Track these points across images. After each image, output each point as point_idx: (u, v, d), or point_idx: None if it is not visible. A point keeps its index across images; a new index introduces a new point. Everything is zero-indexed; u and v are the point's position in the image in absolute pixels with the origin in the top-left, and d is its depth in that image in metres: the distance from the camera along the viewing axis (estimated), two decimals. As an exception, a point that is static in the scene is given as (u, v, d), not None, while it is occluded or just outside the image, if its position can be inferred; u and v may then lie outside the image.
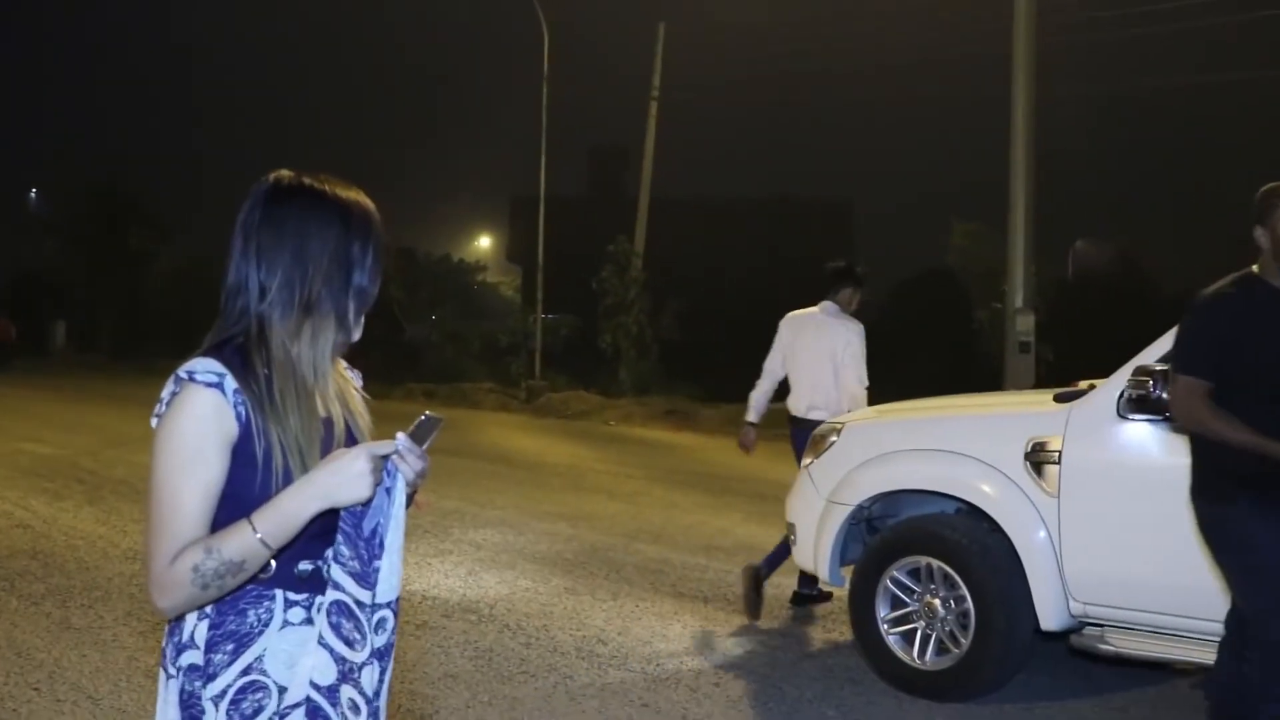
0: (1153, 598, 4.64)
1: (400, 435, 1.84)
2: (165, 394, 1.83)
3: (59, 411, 17.27)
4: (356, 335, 1.97)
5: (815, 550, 5.50)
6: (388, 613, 1.90)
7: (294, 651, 1.86)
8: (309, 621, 1.88)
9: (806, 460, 5.70)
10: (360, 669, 1.86)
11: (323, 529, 1.85)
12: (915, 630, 5.20)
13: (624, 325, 22.01)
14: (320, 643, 1.85)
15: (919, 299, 26.80)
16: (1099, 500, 4.75)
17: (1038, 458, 4.91)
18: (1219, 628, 4.05)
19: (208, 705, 1.83)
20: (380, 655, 1.90)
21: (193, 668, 1.84)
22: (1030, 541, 4.90)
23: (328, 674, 1.85)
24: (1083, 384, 5.27)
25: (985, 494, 5.02)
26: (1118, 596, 4.73)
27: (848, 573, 5.52)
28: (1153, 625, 4.69)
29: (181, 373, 1.83)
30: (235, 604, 1.84)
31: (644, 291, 22.18)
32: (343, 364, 2.08)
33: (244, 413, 1.81)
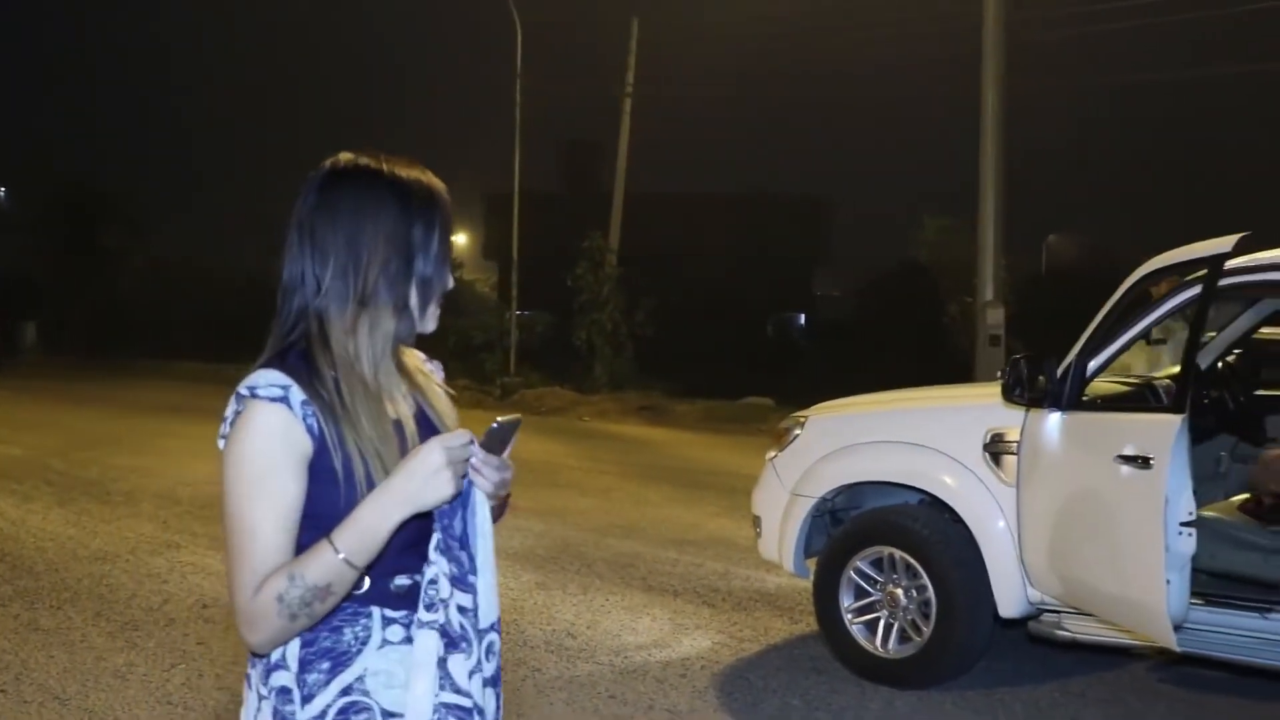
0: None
1: (473, 447, 1.71)
2: (228, 413, 1.69)
3: (28, 412, 17.17)
4: (429, 326, 1.81)
5: (780, 542, 5.56)
6: (494, 636, 1.77)
7: (394, 672, 1.72)
8: (409, 640, 1.73)
9: (770, 453, 5.76)
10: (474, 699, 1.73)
11: (416, 539, 1.72)
12: (879, 619, 5.27)
13: (598, 321, 22.04)
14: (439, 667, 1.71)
15: (892, 293, 26.97)
16: (1054, 489, 4.83)
17: (996, 448, 4.98)
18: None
19: None
20: (494, 682, 1.78)
21: (284, 690, 1.70)
22: (989, 531, 4.97)
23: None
24: None
25: (945, 485, 5.10)
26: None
27: (813, 564, 5.59)
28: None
29: (243, 389, 1.69)
30: (329, 621, 1.70)
31: (618, 288, 22.21)
32: (420, 356, 1.94)
33: (316, 425, 1.67)
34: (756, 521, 5.77)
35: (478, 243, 39.89)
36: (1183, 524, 4.06)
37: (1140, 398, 5.22)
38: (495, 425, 1.73)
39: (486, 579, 1.75)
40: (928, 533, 5.13)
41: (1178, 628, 4.14)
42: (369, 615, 1.72)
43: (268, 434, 1.65)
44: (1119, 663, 5.40)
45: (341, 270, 1.73)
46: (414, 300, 1.77)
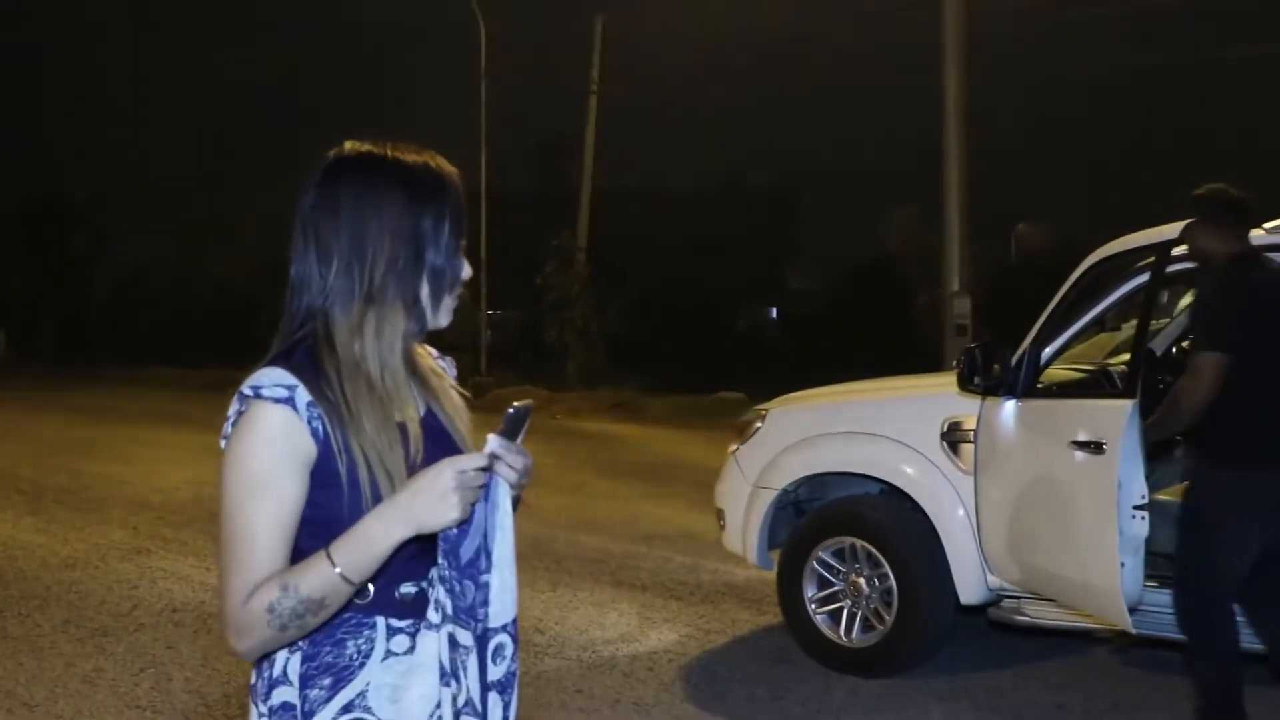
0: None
1: (491, 437, 1.63)
2: (231, 413, 1.63)
3: (-2, 421, 17.06)
4: (443, 321, 1.73)
5: (743, 535, 5.62)
6: (505, 638, 1.67)
7: (399, 685, 1.64)
8: (414, 650, 1.66)
9: (733, 446, 5.82)
10: (473, 706, 1.65)
11: (424, 545, 1.64)
12: (842, 609, 5.34)
13: (569, 320, 22.09)
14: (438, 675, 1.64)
15: (862, 285, 27.13)
16: (1011, 476, 4.90)
17: (954, 437, 5.06)
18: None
19: None
20: (501, 688, 1.68)
21: (285, 706, 1.64)
22: (948, 519, 5.05)
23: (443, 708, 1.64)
24: None
25: (904, 474, 5.17)
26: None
27: (778, 556, 5.65)
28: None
29: (246, 389, 1.61)
30: (332, 634, 1.64)
31: (588, 285, 22.26)
32: (432, 353, 1.85)
33: (321, 428, 1.61)
34: (720, 514, 5.83)
35: (448, 243, 39.81)
36: (1136, 507, 4.13)
37: (1095, 384, 5.32)
38: (512, 410, 1.66)
39: (502, 576, 1.65)
40: (888, 522, 5.21)
41: (1133, 610, 4.22)
42: (373, 626, 1.66)
43: (270, 437, 1.59)
44: (1080, 647, 5.49)
45: (346, 268, 1.64)
46: (425, 294, 1.69)
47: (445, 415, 1.76)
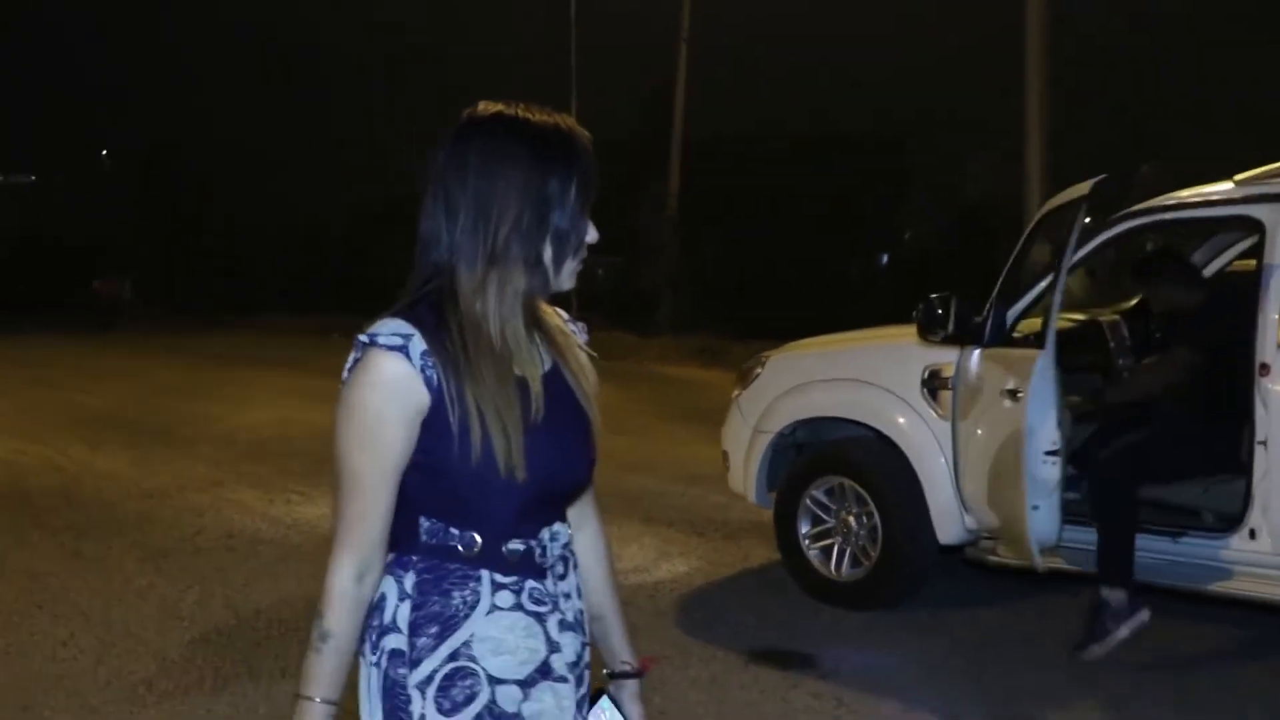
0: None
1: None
2: (349, 359, 1.66)
3: (112, 364, 18.12)
4: (566, 283, 1.72)
5: (745, 475, 5.94)
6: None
7: (502, 639, 1.68)
8: (519, 608, 1.70)
9: (736, 392, 6.12)
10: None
11: (537, 503, 1.70)
12: (833, 545, 5.63)
13: (660, 266, 22.41)
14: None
15: (976, 230, 26.80)
16: (973, 423, 5.12)
17: (933, 384, 5.29)
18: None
19: (414, 693, 1.66)
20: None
21: (396, 653, 1.67)
22: (927, 463, 5.29)
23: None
24: None
25: (885, 419, 5.42)
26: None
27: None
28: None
29: (363, 336, 1.64)
30: (439, 584, 1.68)
31: (679, 231, 22.52)
32: (563, 315, 1.85)
33: (435, 377, 1.62)
34: (725, 456, 6.15)
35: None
36: (1046, 453, 4.38)
37: (1078, 336, 5.51)
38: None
39: None
40: (873, 464, 5.47)
41: (1045, 550, 4.49)
42: (478, 579, 1.68)
43: (381, 384, 1.61)
44: (1065, 587, 5.67)
45: (471, 227, 1.65)
46: (548, 256, 1.68)
47: (570, 374, 1.77)
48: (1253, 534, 4.45)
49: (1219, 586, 4.57)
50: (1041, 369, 4.36)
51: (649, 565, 6.28)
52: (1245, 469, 4.52)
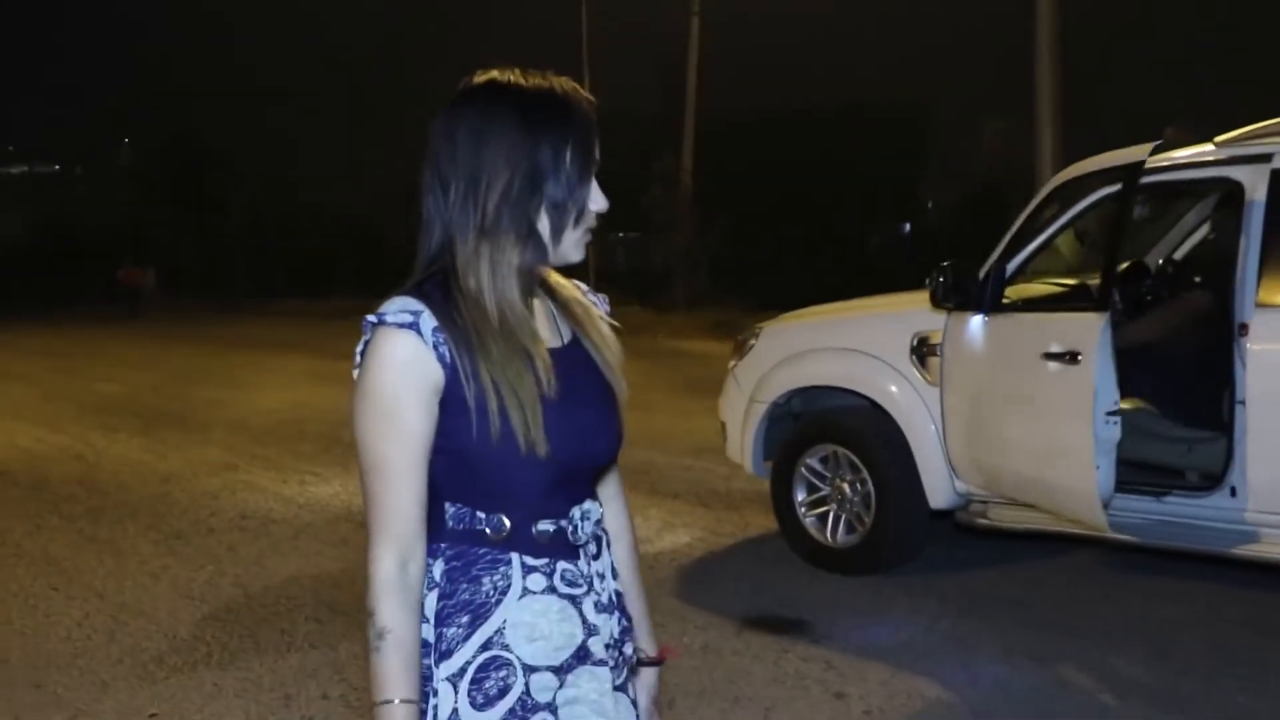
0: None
1: None
2: (359, 344, 1.60)
3: (136, 352, 18.36)
4: (573, 255, 1.66)
5: (741, 445, 6.03)
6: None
7: (536, 624, 1.61)
8: (551, 590, 1.63)
9: (731, 362, 6.20)
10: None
11: (564, 479, 1.63)
12: (829, 512, 5.72)
13: (674, 241, 22.48)
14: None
15: (996, 199, 26.74)
16: (977, 387, 5.19)
17: (922, 351, 5.36)
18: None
19: (442, 686, 1.58)
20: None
21: (422, 644, 1.59)
22: (917, 428, 5.37)
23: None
24: None
25: (875, 386, 5.50)
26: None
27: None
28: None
29: (371, 317, 1.58)
30: (467, 570, 1.61)
31: (692, 207, 22.57)
32: (582, 287, 1.80)
33: (448, 353, 1.56)
34: (723, 427, 6.24)
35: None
36: (1109, 413, 4.42)
37: (1072, 298, 5.55)
38: None
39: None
40: (865, 431, 5.55)
41: (1106, 507, 4.52)
42: (508, 563, 1.61)
43: (395, 364, 1.55)
44: (1053, 550, 5.75)
45: (462, 199, 1.60)
46: (545, 227, 1.61)
47: (592, 345, 1.72)
48: (1233, 492, 4.51)
49: (1202, 545, 4.63)
50: (1105, 330, 4.42)
51: (652, 536, 6.38)
52: (1226, 428, 4.58)
